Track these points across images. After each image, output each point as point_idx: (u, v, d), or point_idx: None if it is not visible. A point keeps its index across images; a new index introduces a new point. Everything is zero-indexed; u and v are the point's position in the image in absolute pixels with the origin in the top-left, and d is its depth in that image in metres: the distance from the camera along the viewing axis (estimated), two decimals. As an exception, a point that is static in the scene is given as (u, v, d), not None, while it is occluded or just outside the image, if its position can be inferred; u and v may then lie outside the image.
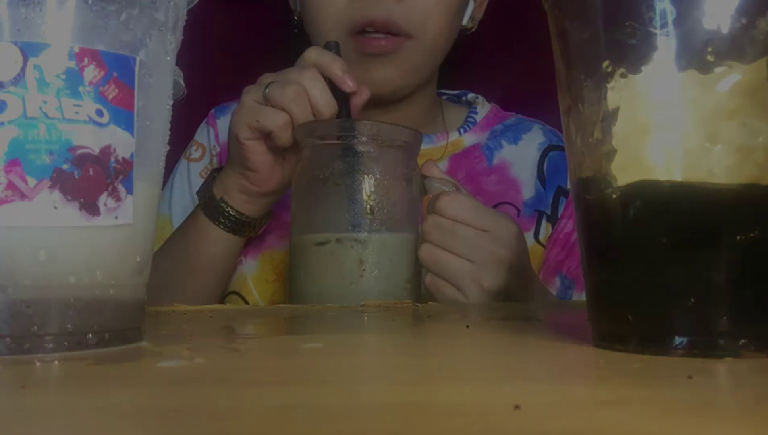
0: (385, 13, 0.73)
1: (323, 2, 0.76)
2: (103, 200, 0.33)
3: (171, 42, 0.36)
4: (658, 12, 0.29)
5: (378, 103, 0.80)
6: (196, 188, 0.81)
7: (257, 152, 0.68)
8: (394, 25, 0.74)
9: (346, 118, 0.69)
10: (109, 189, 0.33)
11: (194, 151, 0.89)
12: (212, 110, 0.90)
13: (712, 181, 0.29)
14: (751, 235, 0.28)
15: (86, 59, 0.32)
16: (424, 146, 0.75)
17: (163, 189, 0.63)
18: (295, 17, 0.83)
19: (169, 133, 0.38)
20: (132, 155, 0.34)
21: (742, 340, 0.28)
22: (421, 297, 0.65)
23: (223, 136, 0.88)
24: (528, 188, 0.84)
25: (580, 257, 0.34)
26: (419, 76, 0.79)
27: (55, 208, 0.32)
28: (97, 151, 0.33)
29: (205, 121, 0.90)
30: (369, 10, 0.73)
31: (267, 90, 0.66)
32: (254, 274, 0.80)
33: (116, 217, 0.33)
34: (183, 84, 0.41)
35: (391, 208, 0.65)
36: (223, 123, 0.89)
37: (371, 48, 0.74)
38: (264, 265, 0.78)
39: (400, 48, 0.75)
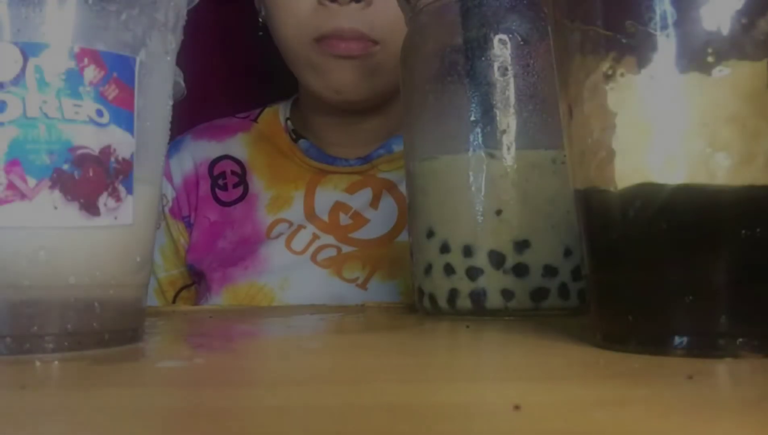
0: (351, 22, 0.71)
1: (287, 9, 0.74)
2: (103, 200, 0.33)
3: (171, 42, 0.36)
4: (658, 13, 0.29)
5: (351, 111, 0.79)
6: None
7: None
8: (359, 33, 0.72)
9: None
10: (109, 189, 0.33)
11: None
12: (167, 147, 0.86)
13: (713, 183, 0.29)
14: (751, 235, 0.28)
15: (86, 59, 0.32)
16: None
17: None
18: (260, 19, 0.82)
19: (169, 133, 0.38)
20: (132, 155, 0.34)
21: (741, 340, 0.28)
22: None
23: (177, 178, 0.83)
24: None
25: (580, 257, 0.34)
26: (388, 82, 0.75)
27: (55, 208, 0.32)
28: (97, 151, 0.33)
29: None
30: (335, 20, 0.71)
31: None
32: None
33: (116, 218, 0.33)
34: (183, 84, 0.41)
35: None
36: (176, 162, 0.84)
37: (338, 50, 0.72)
38: (227, 301, 0.75)
39: (368, 53, 0.73)
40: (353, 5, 0.71)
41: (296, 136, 0.83)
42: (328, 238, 0.76)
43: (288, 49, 0.77)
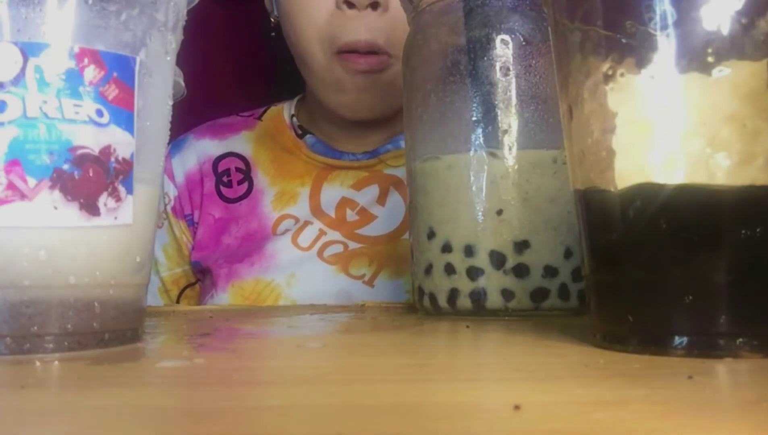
0: (367, 35, 0.72)
1: (303, 18, 0.74)
2: (103, 200, 0.33)
3: (171, 42, 0.36)
4: (658, 13, 0.29)
5: (366, 124, 0.79)
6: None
7: None
8: (375, 45, 0.72)
9: None
10: (109, 189, 0.33)
11: None
12: (169, 146, 0.86)
13: (713, 183, 0.29)
14: (751, 235, 0.28)
15: (86, 59, 0.32)
16: None
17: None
18: (272, 19, 0.82)
19: (169, 133, 0.38)
20: (132, 155, 0.34)
21: (741, 340, 0.28)
22: None
23: (180, 177, 0.84)
24: None
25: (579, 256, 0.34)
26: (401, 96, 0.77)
27: (55, 208, 0.32)
28: (97, 151, 0.33)
29: None
30: (353, 30, 0.72)
31: None
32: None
33: (116, 218, 0.33)
34: (183, 84, 0.41)
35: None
36: (178, 161, 0.84)
37: (358, 65, 0.73)
38: (234, 297, 0.75)
39: (384, 67, 0.73)
40: (370, 12, 0.71)
41: (302, 131, 0.83)
42: (334, 235, 0.76)
43: (306, 62, 0.77)
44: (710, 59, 0.29)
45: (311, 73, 0.77)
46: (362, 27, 0.72)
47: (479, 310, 0.47)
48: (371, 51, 0.72)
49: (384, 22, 0.72)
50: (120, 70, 0.33)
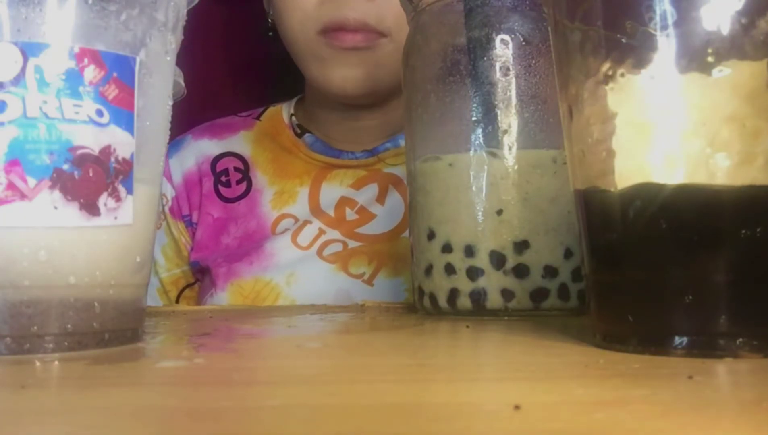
0: (357, 13, 0.72)
1: (293, 4, 0.75)
2: (103, 200, 0.33)
3: (171, 42, 0.36)
4: (658, 13, 0.29)
5: (355, 106, 0.79)
6: None
7: None
8: (366, 25, 0.72)
9: None
10: (109, 189, 0.33)
11: None
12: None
13: (713, 183, 0.29)
14: (751, 235, 0.28)
15: (86, 59, 0.32)
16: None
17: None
18: (269, 19, 0.82)
19: (169, 133, 0.38)
20: (132, 155, 0.34)
21: (741, 340, 0.28)
22: None
23: (177, 177, 0.84)
24: None
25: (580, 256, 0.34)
26: (392, 74, 0.74)
27: (55, 208, 0.32)
28: (97, 151, 0.33)
29: None
30: (340, 11, 0.72)
31: None
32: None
33: (116, 218, 0.33)
34: (183, 84, 0.41)
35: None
36: (176, 162, 0.84)
37: (344, 42, 0.73)
38: (233, 296, 0.75)
39: (373, 45, 0.73)
40: None
41: (301, 130, 0.83)
42: (334, 233, 0.76)
43: (293, 43, 0.77)
44: (710, 59, 0.29)
45: (300, 56, 0.77)
46: (351, 10, 0.72)
47: (479, 310, 0.47)
48: (359, 29, 0.72)
49: (373, 6, 0.72)
50: (120, 70, 0.33)
